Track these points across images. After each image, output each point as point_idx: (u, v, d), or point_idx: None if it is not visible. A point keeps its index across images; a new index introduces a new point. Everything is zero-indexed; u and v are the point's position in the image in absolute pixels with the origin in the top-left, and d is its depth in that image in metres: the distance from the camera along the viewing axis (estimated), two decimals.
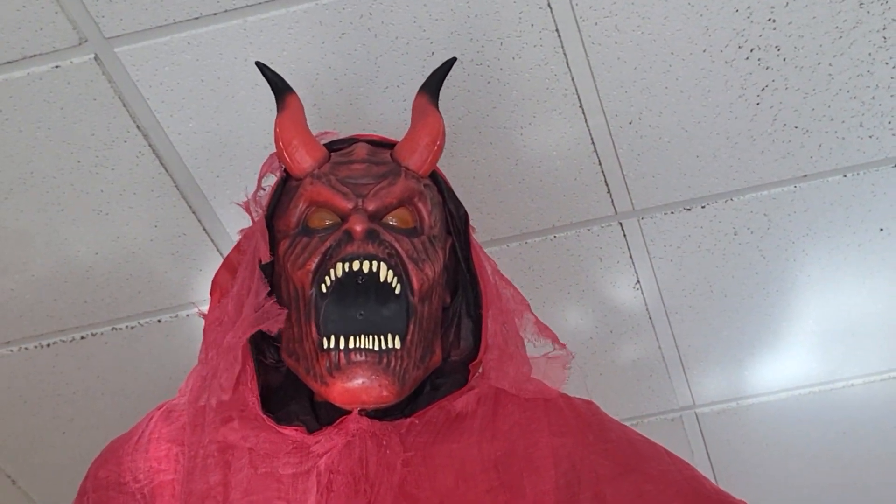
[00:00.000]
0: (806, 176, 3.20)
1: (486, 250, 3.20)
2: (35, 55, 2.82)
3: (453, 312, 2.21)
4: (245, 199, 2.29)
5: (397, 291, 2.05)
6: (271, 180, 2.27)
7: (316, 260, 2.06)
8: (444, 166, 3.01)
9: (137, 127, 2.99)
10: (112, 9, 2.73)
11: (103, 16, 2.75)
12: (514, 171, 3.14)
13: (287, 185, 2.19)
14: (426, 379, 2.13)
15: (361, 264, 2.03)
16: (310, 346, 2.04)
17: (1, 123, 2.95)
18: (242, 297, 2.14)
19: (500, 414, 2.12)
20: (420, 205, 2.15)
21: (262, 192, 2.28)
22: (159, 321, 3.47)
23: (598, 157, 3.12)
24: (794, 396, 3.82)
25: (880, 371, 3.75)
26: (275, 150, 2.22)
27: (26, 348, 3.52)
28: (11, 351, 3.52)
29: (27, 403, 3.69)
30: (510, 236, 3.32)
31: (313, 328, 2.03)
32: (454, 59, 2.39)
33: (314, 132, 2.26)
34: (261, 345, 2.14)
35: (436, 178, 2.25)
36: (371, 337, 2.01)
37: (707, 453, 4.01)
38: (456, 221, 2.24)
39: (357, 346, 2.00)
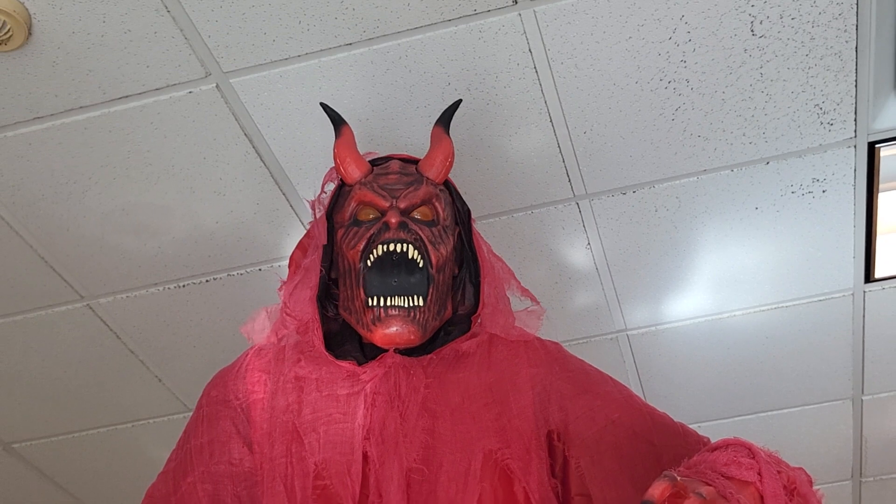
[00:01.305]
0: (705, 170, 3.16)
1: (483, 222, 3.21)
2: (175, 84, 2.80)
3: (460, 280, 2.22)
4: (312, 199, 2.30)
5: (421, 265, 2.08)
6: (329, 187, 2.29)
7: (363, 243, 2.09)
8: (467, 164, 3.04)
9: (245, 135, 2.96)
10: (228, 51, 2.72)
11: (222, 56, 2.73)
12: (504, 166, 3.11)
13: (342, 190, 2.22)
14: (441, 327, 2.16)
15: (396, 246, 2.07)
16: (359, 304, 2.07)
17: (151, 132, 2.93)
18: (311, 268, 2.17)
19: (492, 352, 2.16)
20: (437, 204, 2.17)
21: (324, 194, 2.29)
22: (259, 269, 3.45)
23: (562, 156, 3.09)
24: (696, 323, 3.80)
25: (754, 306, 3.73)
26: (333, 164, 2.24)
27: (168, 288, 3.50)
28: (159, 290, 3.51)
29: (168, 326, 3.68)
30: (499, 212, 3.29)
31: (361, 291, 2.07)
32: (460, 101, 2.42)
33: (363, 150, 2.30)
34: (324, 302, 2.16)
35: (448, 185, 2.26)
36: (402, 297, 2.05)
37: (635, 364, 4.00)
38: (462, 215, 2.25)
39: (392, 304, 2.04)
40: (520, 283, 2.30)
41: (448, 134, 2.28)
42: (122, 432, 4.25)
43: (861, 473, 4.78)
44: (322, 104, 2.36)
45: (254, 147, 3.00)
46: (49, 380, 3.91)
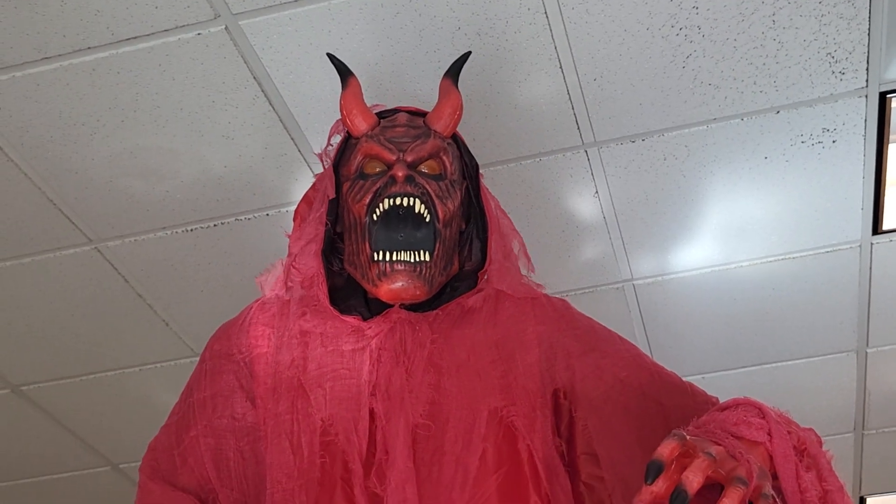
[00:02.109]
0: (715, 119, 3.15)
1: (491, 169, 3.19)
2: (184, 25, 2.78)
3: (467, 235, 2.19)
4: (319, 152, 2.27)
5: (427, 220, 2.04)
6: (336, 140, 2.25)
7: (369, 196, 2.05)
8: (476, 110, 3.02)
9: (254, 78, 2.94)
10: None
11: None
12: (513, 113, 3.10)
13: (349, 143, 2.18)
14: (447, 283, 2.13)
15: (402, 200, 2.03)
16: (364, 258, 2.03)
17: (160, 74, 2.91)
18: (317, 222, 2.14)
19: (499, 308, 2.12)
20: (444, 158, 2.13)
21: (330, 147, 2.26)
22: (267, 214, 3.44)
23: (572, 104, 3.07)
24: (702, 273, 3.80)
25: (761, 256, 3.72)
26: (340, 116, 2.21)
27: (176, 232, 3.50)
28: (167, 234, 3.50)
29: (176, 270, 3.68)
30: (507, 159, 3.27)
31: (367, 245, 2.02)
32: (469, 53, 2.38)
33: (371, 100, 2.28)
34: (329, 256, 2.13)
35: (455, 139, 2.22)
36: (408, 252, 2.01)
37: (641, 314, 4.00)
38: (469, 170, 2.20)
39: (398, 258, 2.00)
40: (523, 244, 2.28)
41: (457, 86, 2.24)
42: (129, 376, 4.26)
43: (864, 426, 4.80)
44: (329, 54, 2.33)
45: (262, 90, 2.98)
46: (57, 323, 3.92)
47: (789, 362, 4.30)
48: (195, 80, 2.94)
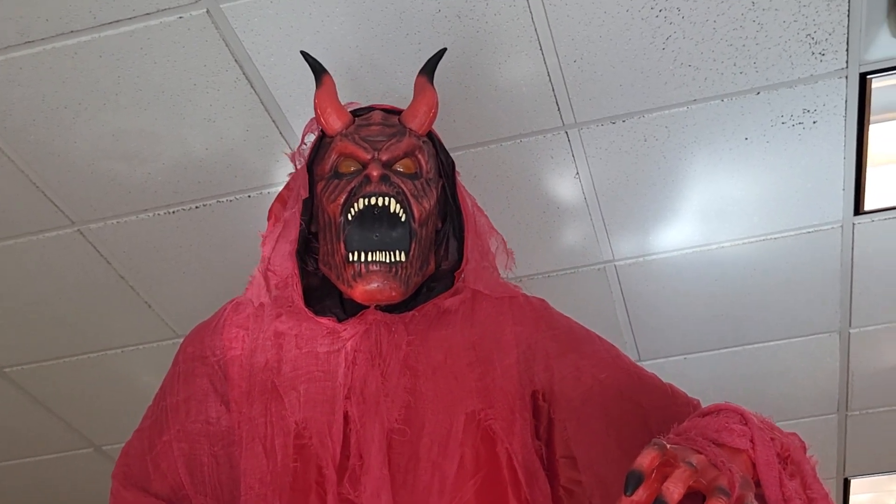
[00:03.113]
0: (695, 100, 3.18)
1: (471, 151, 3.23)
2: (165, 9, 2.80)
3: (443, 234, 2.18)
4: (291, 152, 2.27)
5: (403, 219, 2.03)
6: (310, 139, 2.26)
7: (344, 196, 2.04)
8: (456, 92, 3.04)
9: (235, 60, 2.97)
10: None
11: None
12: (494, 94, 3.12)
13: (323, 142, 2.17)
14: (423, 283, 2.12)
15: (377, 200, 2.02)
16: (339, 259, 2.02)
17: (142, 57, 2.93)
18: (291, 222, 2.13)
19: (476, 309, 2.12)
20: (420, 156, 2.12)
21: (304, 146, 2.26)
22: (249, 196, 3.47)
23: (552, 85, 3.10)
24: (684, 254, 3.83)
25: (742, 237, 3.76)
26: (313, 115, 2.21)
27: (158, 214, 3.53)
28: (149, 216, 3.53)
29: (158, 252, 3.71)
30: (487, 140, 3.30)
31: (342, 245, 2.01)
32: (444, 49, 2.37)
33: (347, 97, 2.29)
34: (304, 256, 2.13)
35: (431, 137, 2.22)
36: (384, 252, 2.00)
37: (623, 295, 4.03)
38: (446, 168, 2.20)
39: (374, 259, 1.99)
40: (502, 239, 2.29)
41: (432, 84, 2.23)
42: (111, 358, 4.30)
43: (847, 407, 4.84)
44: (302, 52, 2.33)
45: (244, 73, 3.01)
46: (40, 305, 3.96)
47: (772, 343, 4.34)
48: (177, 64, 2.96)
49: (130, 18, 2.81)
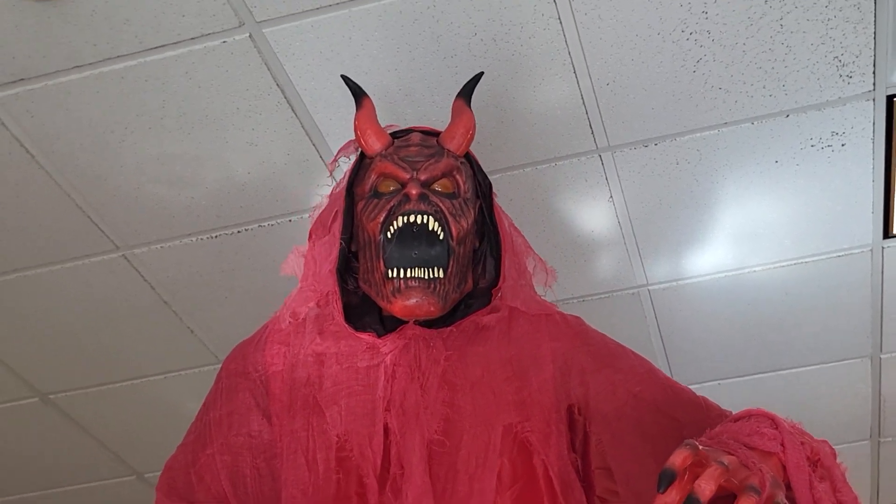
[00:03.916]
0: (726, 123, 3.21)
1: (507, 175, 3.26)
2: (209, 33, 2.86)
3: (481, 253, 2.21)
4: (329, 169, 2.37)
5: (441, 237, 2.04)
6: (343, 160, 2.32)
7: (383, 215, 2.06)
8: (492, 116, 3.09)
9: (277, 84, 3.02)
10: (261, 0, 2.79)
11: (255, 6, 2.80)
12: (528, 117, 3.17)
13: (363, 163, 2.20)
14: (461, 300, 2.14)
15: (416, 218, 2.03)
16: (379, 276, 2.04)
17: (187, 81, 3.00)
18: (331, 241, 2.16)
19: (513, 325, 2.14)
20: (458, 176, 2.14)
21: (336, 165, 2.32)
22: (290, 221, 3.51)
23: (585, 108, 3.14)
24: (716, 279, 3.85)
25: (773, 261, 3.77)
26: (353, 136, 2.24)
27: (201, 239, 3.57)
28: (192, 241, 3.58)
29: (201, 276, 3.75)
30: (523, 164, 3.33)
31: (381, 263, 2.03)
32: (482, 73, 2.38)
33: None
34: (344, 275, 2.15)
35: (468, 158, 2.24)
36: (422, 269, 2.01)
37: (656, 320, 4.04)
38: (483, 188, 2.22)
39: (412, 275, 2.00)
40: (539, 258, 2.31)
41: (469, 106, 2.26)
42: (154, 384, 4.34)
43: (880, 433, 4.81)
44: (343, 76, 2.36)
45: (285, 97, 3.06)
46: (84, 331, 4.00)
47: (803, 368, 4.34)
48: (220, 88, 3.02)
49: (175, 43, 2.88)
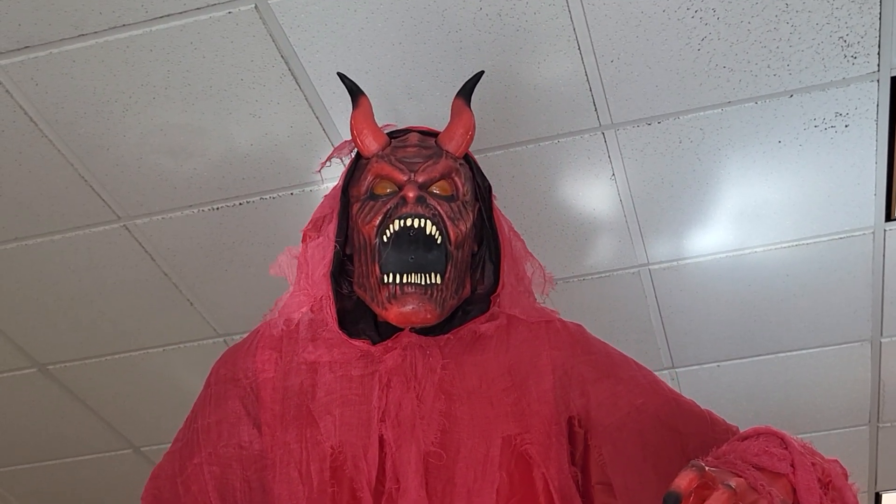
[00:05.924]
0: (729, 102, 3.24)
1: (509, 151, 3.29)
2: (215, 3, 2.88)
3: (479, 258, 2.20)
4: (317, 170, 2.42)
5: (439, 241, 2.05)
6: (335, 160, 2.33)
7: (379, 218, 2.06)
8: (495, 92, 3.11)
9: (281, 56, 3.05)
10: None
11: None
12: (531, 94, 3.19)
13: (359, 163, 2.20)
14: (459, 306, 2.14)
15: (413, 221, 2.03)
16: (374, 281, 2.04)
17: (190, 52, 3.02)
18: (325, 244, 2.16)
19: (512, 333, 2.12)
20: (456, 178, 2.14)
21: (328, 165, 2.33)
22: (292, 194, 3.54)
23: (590, 85, 3.16)
24: (717, 259, 3.88)
25: (774, 242, 3.80)
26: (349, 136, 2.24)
27: (203, 210, 3.60)
28: (193, 212, 3.61)
29: (202, 248, 3.78)
30: (526, 140, 3.35)
31: (377, 267, 2.03)
32: (482, 73, 2.38)
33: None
34: (338, 279, 2.14)
35: (468, 159, 2.24)
36: (419, 274, 2.01)
37: (657, 299, 4.07)
38: (482, 191, 2.22)
39: (409, 281, 2.00)
40: (539, 263, 2.29)
41: (469, 106, 2.24)
42: (152, 356, 4.36)
43: (879, 418, 4.84)
44: (339, 74, 2.37)
45: (289, 69, 3.08)
46: (84, 301, 4.03)
47: (803, 351, 4.36)
48: (225, 59, 3.04)
49: (181, 13, 2.90)
